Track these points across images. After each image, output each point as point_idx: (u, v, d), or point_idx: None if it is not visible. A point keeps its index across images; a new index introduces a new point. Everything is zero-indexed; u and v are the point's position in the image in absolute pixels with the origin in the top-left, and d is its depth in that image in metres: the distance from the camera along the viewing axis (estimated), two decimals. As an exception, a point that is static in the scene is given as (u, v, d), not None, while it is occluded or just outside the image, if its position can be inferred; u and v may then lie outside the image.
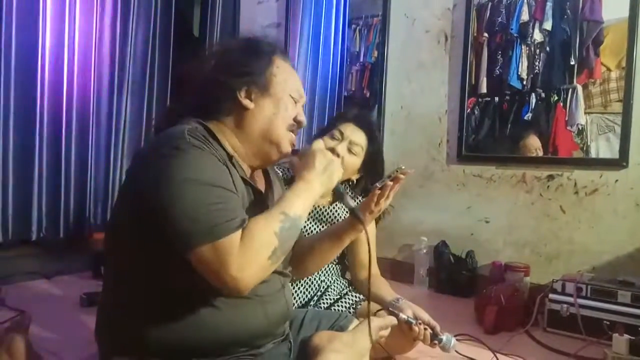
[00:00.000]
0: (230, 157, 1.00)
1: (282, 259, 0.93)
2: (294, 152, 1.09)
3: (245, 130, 1.05)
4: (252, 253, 0.86)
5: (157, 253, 0.92)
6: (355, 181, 1.70)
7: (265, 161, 1.11)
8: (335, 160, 1.06)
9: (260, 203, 1.05)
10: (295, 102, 1.10)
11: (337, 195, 1.10)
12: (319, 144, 1.08)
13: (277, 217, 0.91)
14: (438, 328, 1.36)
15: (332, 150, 1.56)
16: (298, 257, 1.23)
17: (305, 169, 1.02)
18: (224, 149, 1.00)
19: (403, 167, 1.17)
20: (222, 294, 0.94)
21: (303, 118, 1.11)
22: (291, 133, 1.10)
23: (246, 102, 1.04)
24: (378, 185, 1.19)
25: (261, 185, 1.14)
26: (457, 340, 1.40)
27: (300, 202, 0.97)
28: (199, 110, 1.05)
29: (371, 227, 1.65)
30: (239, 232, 0.86)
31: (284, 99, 1.07)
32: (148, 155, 0.95)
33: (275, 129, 1.06)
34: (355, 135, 1.63)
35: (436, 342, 1.35)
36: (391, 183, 1.18)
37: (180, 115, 1.04)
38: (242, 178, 1.01)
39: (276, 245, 0.89)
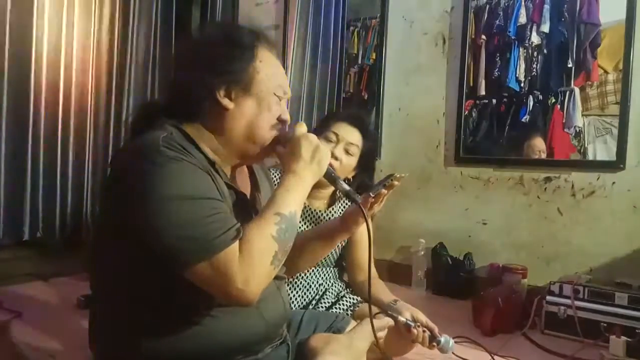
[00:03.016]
0: (213, 163, 0.95)
1: (284, 261, 0.90)
2: (279, 140, 1.03)
3: (226, 132, 0.97)
4: (253, 263, 0.82)
5: (148, 266, 0.87)
6: (351, 179, 1.70)
7: (247, 159, 1.06)
8: (322, 146, 1.01)
9: (247, 207, 1.01)
10: (280, 100, 1.03)
11: (329, 180, 1.07)
12: (302, 128, 1.03)
13: (272, 220, 0.87)
14: (436, 330, 1.36)
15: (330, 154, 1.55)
16: (289, 256, 1.23)
17: (293, 160, 0.97)
18: (204, 154, 0.93)
19: (397, 174, 1.17)
20: (220, 304, 0.92)
21: (287, 116, 1.04)
22: (275, 131, 1.02)
23: (226, 102, 0.96)
24: (372, 194, 1.18)
25: (247, 187, 1.10)
26: (455, 342, 1.40)
27: (293, 198, 0.93)
28: (176, 111, 0.98)
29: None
30: (236, 243, 0.82)
31: (266, 98, 0.99)
32: (125, 169, 0.89)
33: (258, 129, 0.99)
34: (350, 136, 1.63)
35: (434, 344, 1.35)
36: (385, 191, 1.18)
37: (157, 116, 0.97)
38: (226, 183, 0.96)
39: (276, 249, 0.86)
